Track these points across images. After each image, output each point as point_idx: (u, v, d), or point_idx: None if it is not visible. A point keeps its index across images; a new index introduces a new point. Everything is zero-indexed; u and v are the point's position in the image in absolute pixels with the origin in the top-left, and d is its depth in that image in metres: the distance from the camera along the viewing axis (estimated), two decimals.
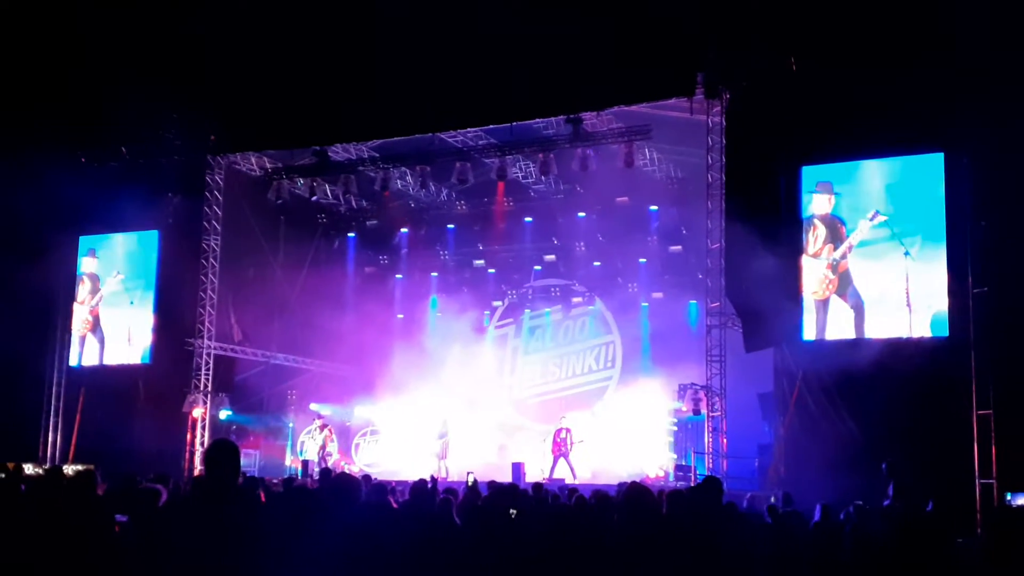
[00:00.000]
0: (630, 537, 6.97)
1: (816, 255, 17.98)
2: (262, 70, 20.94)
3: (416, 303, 28.22)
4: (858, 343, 17.49)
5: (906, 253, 17.20)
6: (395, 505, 10.22)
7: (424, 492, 10.87)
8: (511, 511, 8.59)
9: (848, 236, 17.80)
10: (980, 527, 15.02)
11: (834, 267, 17.83)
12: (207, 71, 21.34)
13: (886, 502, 12.04)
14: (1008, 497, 14.57)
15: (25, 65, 21.82)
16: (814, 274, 17.96)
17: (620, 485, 12.37)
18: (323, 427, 24.46)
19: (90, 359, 24.46)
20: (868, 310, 17.50)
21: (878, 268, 17.51)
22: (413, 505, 10.60)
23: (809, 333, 17.89)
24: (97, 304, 24.66)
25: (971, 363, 16.26)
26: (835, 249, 17.84)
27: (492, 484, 12.80)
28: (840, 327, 17.68)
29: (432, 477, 11.29)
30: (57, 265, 24.15)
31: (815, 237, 18.05)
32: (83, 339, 24.66)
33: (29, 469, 18.37)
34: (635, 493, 7.30)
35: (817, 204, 18.13)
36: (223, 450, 5.34)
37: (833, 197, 17.98)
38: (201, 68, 21.30)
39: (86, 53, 21.44)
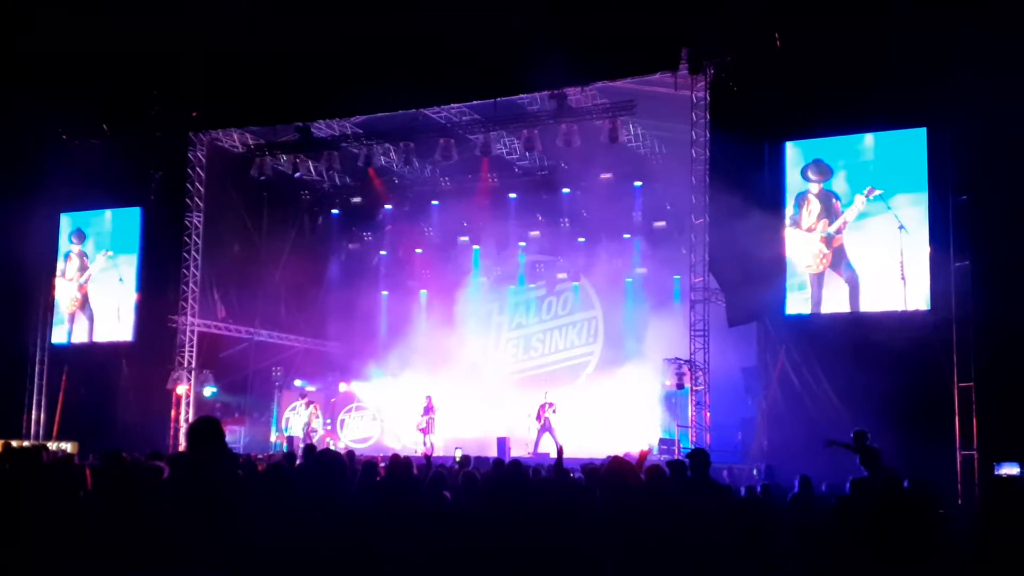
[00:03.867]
0: (612, 511, 7.02)
1: (810, 229, 18.05)
2: (243, 46, 20.76)
3: (400, 279, 28.20)
4: (842, 317, 17.64)
5: (900, 227, 17.30)
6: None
7: (405, 466, 10.91)
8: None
9: (843, 211, 17.88)
10: (961, 498, 15.22)
11: (828, 241, 17.91)
12: (188, 47, 21.16)
13: (863, 473, 12.14)
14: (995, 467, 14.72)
15: (3, 41, 21.58)
16: (809, 249, 18.03)
17: (605, 459, 12.44)
18: (308, 404, 24.46)
19: (80, 337, 24.42)
20: (863, 284, 17.59)
21: (872, 242, 17.60)
22: (396, 480, 10.66)
23: (804, 307, 17.98)
24: (86, 282, 24.57)
25: (952, 336, 16.41)
26: (830, 224, 17.91)
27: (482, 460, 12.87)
28: (835, 301, 17.78)
29: (425, 455, 11.33)
30: (38, 242, 24.00)
31: (809, 212, 18.11)
32: (72, 317, 24.59)
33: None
34: (616, 467, 7.35)
35: (816, 180, 18.17)
36: (205, 427, 5.34)
37: (827, 172, 18.03)
38: (182, 44, 21.12)
39: (67, 29, 21.23)
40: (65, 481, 7.68)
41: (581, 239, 25.87)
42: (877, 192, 17.62)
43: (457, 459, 14.10)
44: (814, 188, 18.12)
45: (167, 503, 5.31)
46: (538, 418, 21.68)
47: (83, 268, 24.67)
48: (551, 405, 21.67)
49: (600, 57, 18.82)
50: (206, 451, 5.28)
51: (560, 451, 10.64)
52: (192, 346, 23.34)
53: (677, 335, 19.71)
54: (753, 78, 18.21)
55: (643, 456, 8.21)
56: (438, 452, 20.67)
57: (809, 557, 10.95)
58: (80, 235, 24.83)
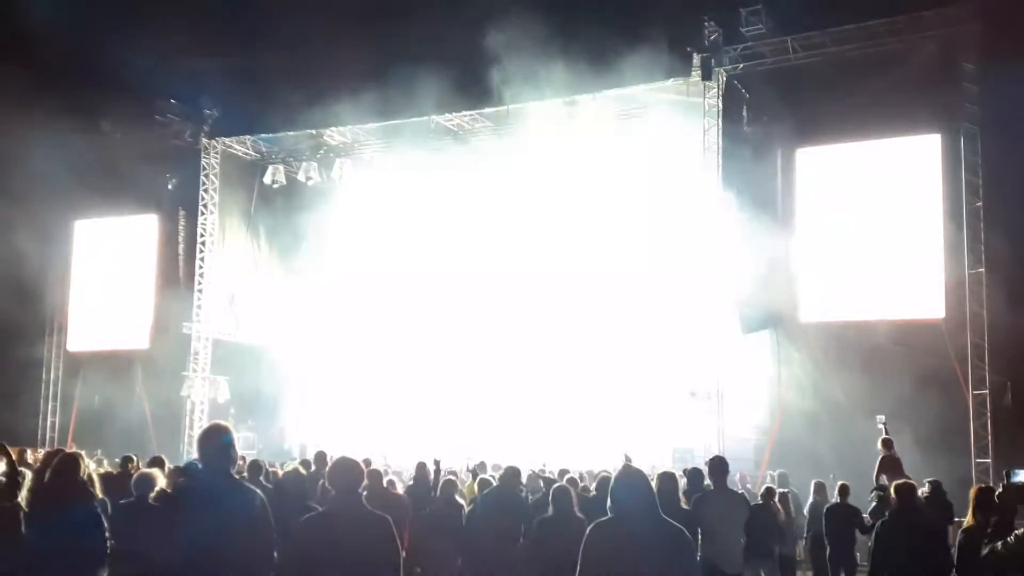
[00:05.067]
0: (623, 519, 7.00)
1: (827, 238, 18.03)
2: (257, 53, 20.87)
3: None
4: (857, 325, 17.61)
5: (915, 235, 17.31)
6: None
7: (426, 474, 11.00)
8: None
9: (858, 219, 17.86)
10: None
11: (844, 250, 17.90)
12: (203, 54, 21.25)
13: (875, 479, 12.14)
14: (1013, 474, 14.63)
15: (19, 50, 21.73)
16: (823, 256, 18.01)
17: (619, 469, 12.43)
18: (318, 410, 24.51)
19: (95, 344, 24.54)
20: (877, 291, 17.56)
21: (887, 249, 17.58)
22: (416, 488, 10.73)
23: (818, 315, 17.95)
24: (101, 289, 24.71)
25: (967, 343, 16.37)
26: (846, 232, 17.90)
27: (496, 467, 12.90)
28: (850, 309, 17.76)
29: (435, 460, 11.39)
30: (52, 249, 24.15)
31: (825, 220, 18.10)
32: (88, 323, 24.73)
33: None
34: (627, 476, 7.33)
35: (829, 187, 18.17)
36: (215, 434, 5.32)
37: (844, 180, 18.04)
38: (196, 52, 21.21)
39: (80, 38, 21.35)
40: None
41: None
42: (891, 200, 17.61)
43: (469, 468, 14.11)
44: (828, 195, 18.10)
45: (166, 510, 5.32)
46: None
47: (98, 275, 24.79)
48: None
49: (612, 65, 18.78)
50: (216, 458, 5.27)
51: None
52: (206, 353, 23.41)
53: (690, 344, 19.65)
54: (765, 84, 18.21)
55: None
56: (445, 461, 20.65)
57: (825, 562, 10.95)
58: (94, 242, 24.97)
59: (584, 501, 8.80)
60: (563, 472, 12.28)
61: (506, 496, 9.20)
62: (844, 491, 11.02)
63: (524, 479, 10.64)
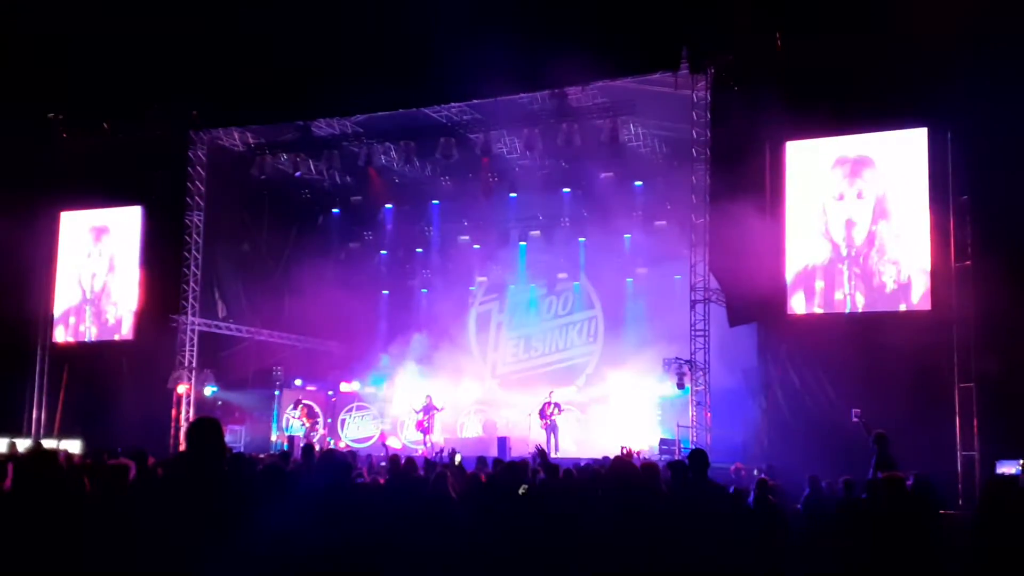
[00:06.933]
0: (616, 511, 7.03)
1: (812, 229, 18.06)
2: (244, 44, 20.76)
3: (401, 279, 28.23)
4: (843, 318, 17.63)
5: (901, 227, 17.34)
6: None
7: (401, 465, 10.95)
8: (522, 487, 8.63)
9: (845, 211, 17.86)
10: (962, 499, 15.24)
11: (830, 241, 17.91)
12: (188, 45, 21.14)
13: (869, 474, 12.14)
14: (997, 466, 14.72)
15: (3, 40, 21.59)
16: (810, 248, 18.05)
17: (604, 459, 12.47)
18: (302, 403, 24.50)
19: (81, 335, 24.42)
20: (864, 284, 17.58)
21: (874, 242, 17.60)
22: (398, 479, 10.69)
23: (805, 307, 17.98)
24: (87, 280, 24.58)
25: (953, 336, 16.42)
26: (832, 223, 17.90)
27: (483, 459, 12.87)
28: (836, 301, 17.78)
29: (425, 456, 11.37)
30: (39, 240, 24.00)
31: (811, 212, 18.13)
32: (73, 315, 24.59)
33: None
34: (620, 467, 7.37)
35: (817, 180, 18.18)
36: (204, 427, 5.31)
37: (832, 173, 18.05)
38: (182, 42, 21.10)
39: (66, 28, 21.23)
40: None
41: (581, 239, 25.88)
42: (878, 193, 17.65)
43: (456, 463, 14.06)
44: (819, 188, 18.12)
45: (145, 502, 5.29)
46: (542, 416, 21.61)
47: (84, 267, 24.66)
48: (556, 405, 21.61)
49: (600, 56, 18.76)
50: (205, 451, 5.26)
51: (546, 452, 10.62)
52: (193, 345, 23.34)
53: (678, 335, 19.69)
54: (754, 78, 18.21)
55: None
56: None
57: (816, 557, 10.97)
58: (81, 234, 24.82)
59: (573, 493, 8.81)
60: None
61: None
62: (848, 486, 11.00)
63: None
